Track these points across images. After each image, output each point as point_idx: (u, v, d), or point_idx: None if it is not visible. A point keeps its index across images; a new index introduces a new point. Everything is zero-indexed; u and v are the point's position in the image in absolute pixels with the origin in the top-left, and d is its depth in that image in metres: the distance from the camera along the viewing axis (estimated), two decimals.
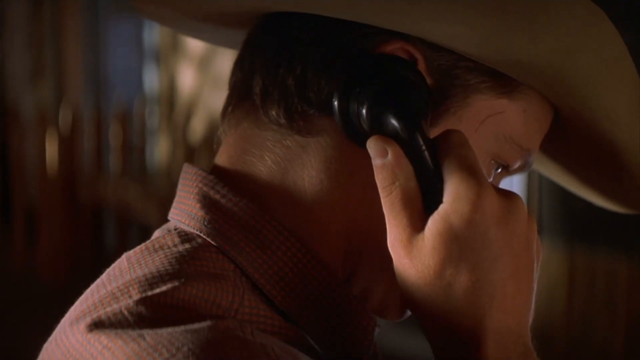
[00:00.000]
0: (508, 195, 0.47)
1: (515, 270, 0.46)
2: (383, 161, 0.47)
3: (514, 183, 2.29)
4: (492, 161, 0.54)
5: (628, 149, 0.57)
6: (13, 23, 5.25)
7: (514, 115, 0.53)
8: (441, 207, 0.45)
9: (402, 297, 0.49)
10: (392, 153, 0.46)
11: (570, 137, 0.59)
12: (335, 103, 0.49)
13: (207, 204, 0.52)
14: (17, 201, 4.23)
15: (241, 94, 0.55)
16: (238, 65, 0.56)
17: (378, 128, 0.48)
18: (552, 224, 2.26)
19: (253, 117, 0.53)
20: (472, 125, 0.51)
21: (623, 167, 0.59)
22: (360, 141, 0.49)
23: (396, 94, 0.48)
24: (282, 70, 0.52)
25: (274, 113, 0.52)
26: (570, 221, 2.27)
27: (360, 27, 0.50)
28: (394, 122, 0.47)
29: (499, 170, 0.55)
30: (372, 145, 0.47)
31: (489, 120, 0.52)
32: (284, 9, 0.52)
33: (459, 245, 0.45)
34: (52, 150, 4.02)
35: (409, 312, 0.55)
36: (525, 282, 0.47)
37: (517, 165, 0.55)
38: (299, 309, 0.50)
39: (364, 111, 0.48)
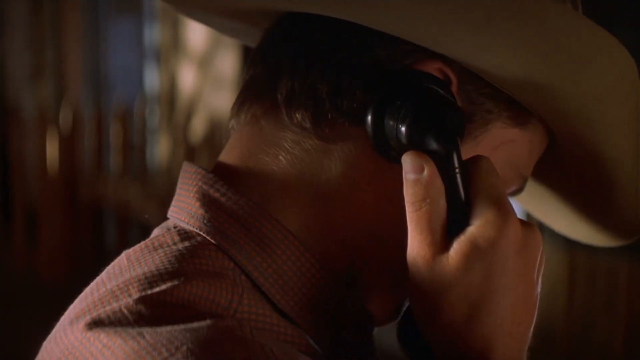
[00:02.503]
0: (529, 226, 0.48)
1: (524, 297, 0.48)
2: (418, 177, 0.47)
3: None
4: None
5: (626, 183, 0.59)
6: (13, 22, 5.26)
7: (522, 145, 0.55)
8: (469, 230, 0.46)
9: (414, 313, 0.50)
10: (429, 170, 0.47)
11: (565, 164, 0.60)
12: (370, 115, 0.50)
13: (207, 202, 0.51)
14: (18, 200, 4.23)
15: (261, 90, 0.54)
16: (260, 60, 0.55)
17: (415, 144, 0.48)
18: None
19: (272, 116, 0.53)
20: (487, 150, 0.52)
21: (616, 195, 0.60)
22: (387, 154, 0.50)
23: (437, 112, 0.48)
24: (314, 74, 0.51)
25: (298, 116, 0.51)
26: None
27: (398, 41, 0.50)
28: (433, 140, 0.48)
29: None
30: (409, 160, 0.48)
31: (501, 148, 0.53)
32: (322, 13, 0.51)
33: (481, 268, 0.46)
34: (52, 149, 4.02)
35: (392, 320, 0.56)
36: (531, 310, 0.49)
37: (510, 190, 0.58)
38: (298, 308, 0.50)
39: (403, 127, 0.48)
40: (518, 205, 0.62)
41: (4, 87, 5.35)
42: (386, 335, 0.59)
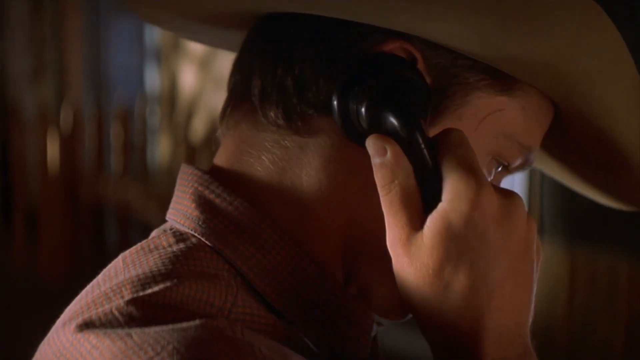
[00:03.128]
0: (507, 194, 0.47)
1: (513, 270, 0.46)
2: (382, 160, 0.47)
3: (515, 182, 2.29)
4: (493, 160, 0.54)
5: (628, 145, 0.57)
6: (14, 22, 5.25)
7: (514, 113, 0.53)
8: (440, 206, 0.45)
9: (400, 298, 0.49)
10: (391, 151, 0.46)
11: (570, 134, 0.59)
12: (335, 102, 0.49)
13: (202, 203, 0.52)
14: (18, 200, 4.23)
15: (240, 95, 0.55)
16: (237, 67, 0.56)
17: (377, 127, 0.48)
18: (553, 222, 2.26)
19: (251, 118, 0.53)
20: (472, 123, 0.51)
21: (623, 163, 0.59)
22: (359, 140, 0.49)
23: (395, 92, 0.48)
24: (280, 71, 0.52)
25: (272, 114, 0.52)
26: (571, 220, 2.27)
27: (358, 26, 0.50)
28: (393, 120, 0.47)
29: (500, 168, 0.55)
30: (371, 144, 0.47)
31: (489, 119, 0.52)
32: (280, 10, 0.52)
33: (457, 244, 0.45)
34: (53, 149, 4.02)
35: (402, 313, 0.55)
36: (524, 282, 0.47)
37: (517, 163, 0.55)
38: (294, 308, 0.50)
39: (362, 110, 0.48)
40: (519, 191, 0.61)
41: (5, 87, 5.34)
42: (386, 335, 0.58)
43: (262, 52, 0.53)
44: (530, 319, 0.49)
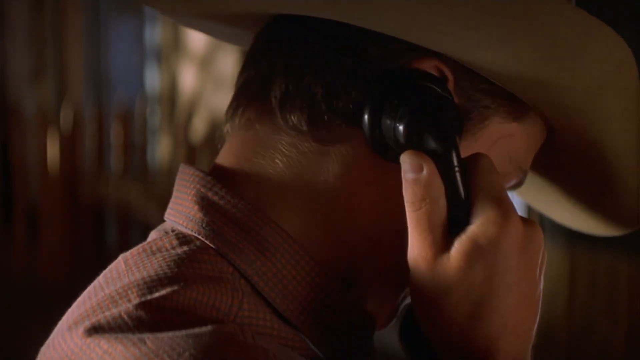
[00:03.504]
0: (530, 224, 0.48)
1: (527, 296, 0.48)
2: (417, 176, 0.47)
3: None
4: None
5: (625, 173, 0.59)
6: (14, 22, 5.25)
7: (521, 139, 0.54)
8: (469, 229, 0.46)
9: (417, 314, 0.49)
10: (428, 169, 0.47)
11: (562, 155, 0.60)
12: (366, 115, 0.49)
13: (205, 205, 0.51)
14: (18, 200, 4.23)
15: (255, 93, 0.54)
16: (252, 63, 0.55)
17: (414, 144, 0.48)
18: (553, 222, 2.26)
19: (267, 119, 0.52)
20: (485, 145, 0.52)
21: (617, 181, 0.60)
22: (386, 154, 0.49)
23: (435, 111, 0.48)
24: (308, 76, 0.51)
25: (294, 118, 0.51)
26: None
27: (392, 40, 0.50)
28: (432, 139, 0.47)
29: None
30: (408, 160, 0.47)
31: (499, 142, 0.53)
32: (320, 15, 0.51)
33: (483, 267, 0.46)
34: (53, 149, 4.02)
35: (390, 321, 0.56)
36: (534, 307, 0.49)
37: (511, 184, 0.57)
38: (298, 312, 0.50)
39: (401, 126, 0.48)
40: (518, 202, 0.62)
41: (5, 87, 5.34)
42: (386, 335, 0.59)
43: (286, 54, 0.52)
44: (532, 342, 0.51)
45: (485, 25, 0.45)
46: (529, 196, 0.70)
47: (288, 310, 0.49)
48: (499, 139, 0.53)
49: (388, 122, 0.49)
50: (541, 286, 0.50)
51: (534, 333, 0.50)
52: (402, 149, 0.48)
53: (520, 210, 0.51)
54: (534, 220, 0.49)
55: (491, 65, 0.49)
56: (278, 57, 0.53)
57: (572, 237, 2.32)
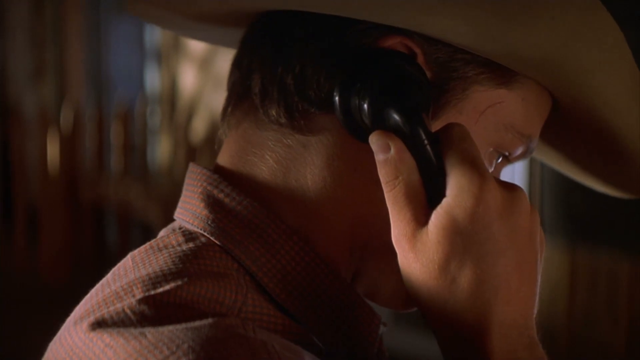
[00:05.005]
0: (510, 187, 0.47)
1: (518, 263, 0.47)
2: (386, 156, 0.47)
3: (515, 182, 2.29)
4: (494, 151, 0.54)
5: (627, 135, 0.57)
6: (15, 22, 5.25)
7: (513, 104, 0.53)
8: (444, 201, 0.46)
9: (407, 291, 0.49)
10: (395, 148, 0.47)
11: (570, 124, 0.59)
12: (336, 99, 0.49)
13: (211, 203, 0.52)
14: (19, 200, 4.23)
15: (240, 94, 0.55)
16: (236, 65, 0.56)
17: (380, 123, 0.48)
18: (554, 223, 2.26)
19: (253, 117, 0.53)
20: (473, 116, 0.52)
21: (623, 152, 0.59)
22: (362, 137, 0.49)
23: (397, 88, 0.48)
24: (280, 68, 0.52)
25: (274, 112, 0.52)
26: (572, 220, 2.27)
27: (357, 22, 0.50)
28: (395, 116, 0.47)
29: (500, 159, 0.56)
30: (375, 141, 0.47)
31: (489, 111, 0.52)
32: (277, 8, 0.52)
33: (462, 239, 0.45)
34: (53, 149, 4.02)
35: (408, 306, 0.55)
36: (529, 275, 0.48)
37: (518, 152, 0.56)
38: (303, 307, 0.50)
39: (365, 106, 0.48)
40: (519, 180, 0.60)
41: (5, 87, 5.34)
42: (387, 335, 0.59)
43: (261, 50, 0.53)
44: (536, 310, 0.49)
45: None
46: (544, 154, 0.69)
47: (292, 305, 0.50)
48: (487, 107, 0.52)
49: (356, 104, 0.49)
50: (538, 250, 0.48)
51: (535, 300, 0.48)
52: (371, 130, 0.48)
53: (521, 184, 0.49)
54: (515, 183, 0.48)
55: (446, 32, 0.49)
56: (254, 54, 0.54)
57: (573, 238, 2.32)
